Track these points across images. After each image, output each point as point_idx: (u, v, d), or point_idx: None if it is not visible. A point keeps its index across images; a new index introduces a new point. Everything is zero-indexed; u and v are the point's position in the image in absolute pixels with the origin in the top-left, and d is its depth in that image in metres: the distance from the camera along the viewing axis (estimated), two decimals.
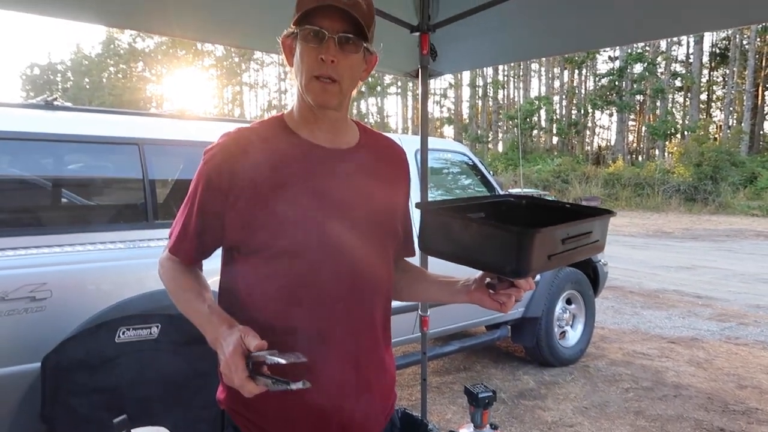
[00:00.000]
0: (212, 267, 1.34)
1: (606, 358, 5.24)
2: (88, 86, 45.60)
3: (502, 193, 4.90)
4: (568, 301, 5.12)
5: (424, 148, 2.69)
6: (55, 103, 2.63)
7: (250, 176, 1.18)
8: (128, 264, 2.58)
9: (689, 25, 2.18)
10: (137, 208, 2.73)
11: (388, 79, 42.48)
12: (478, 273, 1.31)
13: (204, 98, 48.68)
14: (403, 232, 1.41)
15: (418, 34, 2.46)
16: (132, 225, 2.68)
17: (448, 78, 40.56)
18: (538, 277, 4.49)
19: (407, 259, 1.50)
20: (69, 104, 2.75)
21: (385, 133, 1.57)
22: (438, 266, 1.49)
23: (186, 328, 1.89)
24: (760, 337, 5.94)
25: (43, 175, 2.57)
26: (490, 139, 42.87)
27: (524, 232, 1.11)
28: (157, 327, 2.19)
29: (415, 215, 1.36)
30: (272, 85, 53.17)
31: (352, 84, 1.23)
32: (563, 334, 5.08)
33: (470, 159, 4.74)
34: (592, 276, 5.27)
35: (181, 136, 2.91)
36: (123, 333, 2.15)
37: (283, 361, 1.02)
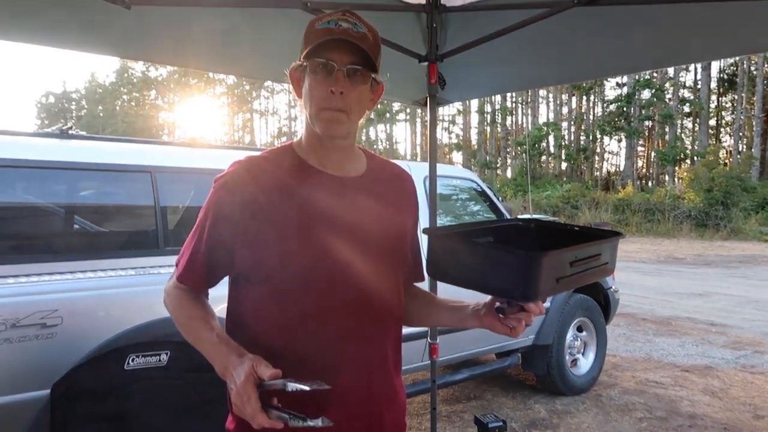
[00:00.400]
0: (218, 293, 1.34)
1: (619, 387, 5.16)
2: (101, 114, 46.36)
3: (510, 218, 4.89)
4: (579, 329, 5.06)
5: (432, 175, 2.71)
6: (70, 131, 2.68)
7: (259, 204, 1.19)
8: (138, 291, 2.59)
9: (695, 54, 2.20)
10: (148, 235, 2.76)
11: (396, 106, 42.90)
12: (488, 297, 1.31)
13: (215, 126, 49.29)
14: (412, 258, 1.42)
15: (426, 63, 2.50)
16: (143, 252, 2.70)
17: (457, 105, 40.89)
18: (548, 303, 4.46)
19: (416, 284, 1.51)
20: (83, 133, 2.80)
21: (393, 160, 1.59)
22: (447, 291, 1.50)
23: (195, 356, 1.88)
24: None
25: (56, 203, 2.60)
26: (498, 165, 42.94)
27: (532, 255, 1.12)
28: (167, 354, 2.19)
29: (423, 240, 1.37)
30: (282, 113, 53.74)
31: (360, 113, 1.25)
32: (575, 362, 5.02)
33: (478, 185, 4.75)
34: (603, 303, 5.22)
35: (192, 163, 2.95)
36: (132, 360, 2.15)
37: (306, 388, 1.01)
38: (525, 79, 2.66)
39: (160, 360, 2.19)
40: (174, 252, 2.74)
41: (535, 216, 5.64)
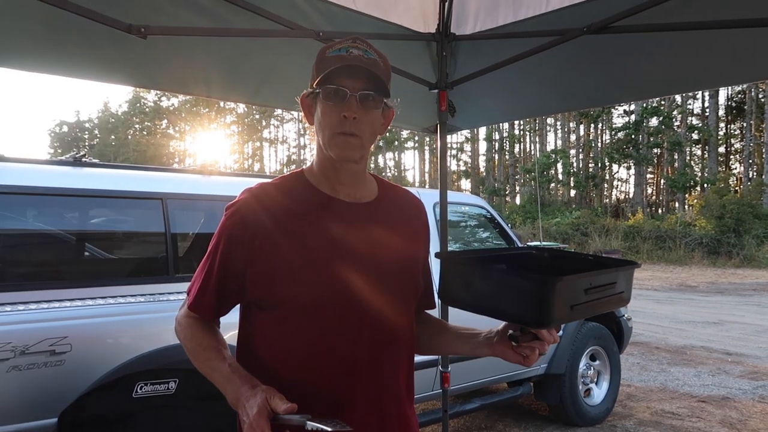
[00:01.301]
0: (228, 320, 1.33)
1: (634, 418, 5.05)
2: (113, 143, 47.00)
3: (521, 245, 4.87)
4: (593, 357, 4.98)
5: (443, 202, 2.70)
6: (83, 159, 2.71)
7: (271, 232, 1.19)
8: (148, 318, 2.59)
9: (706, 81, 2.21)
10: (159, 262, 2.76)
11: (405, 133, 43.19)
12: (500, 325, 1.29)
13: (225, 154, 49.79)
14: (423, 285, 1.40)
15: (436, 91, 2.52)
16: (153, 279, 2.70)
17: (465, 132, 41.15)
18: (560, 331, 4.40)
19: (428, 311, 1.49)
20: (96, 161, 2.83)
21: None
22: (458, 318, 1.48)
23: (203, 384, 1.86)
24: None
25: (68, 230, 2.62)
26: (507, 192, 42.95)
27: (545, 280, 1.11)
28: (175, 382, 2.17)
29: (434, 266, 1.35)
30: (292, 141, 54.22)
31: (372, 138, 1.26)
32: (588, 391, 4.92)
33: (488, 212, 4.74)
34: (616, 331, 5.14)
35: (202, 190, 2.97)
36: (141, 388, 2.13)
37: (328, 429, 0.99)
38: (534, 106, 2.67)
39: (168, 388, 2.17)
40: (184, 279, 2.77)
41: (545, 244, 5.60)
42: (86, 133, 51.84)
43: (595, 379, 5.01)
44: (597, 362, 5.01)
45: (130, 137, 47.59)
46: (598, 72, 2.28)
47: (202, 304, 1.25)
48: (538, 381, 4.68)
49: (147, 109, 48.17)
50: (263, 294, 1.20)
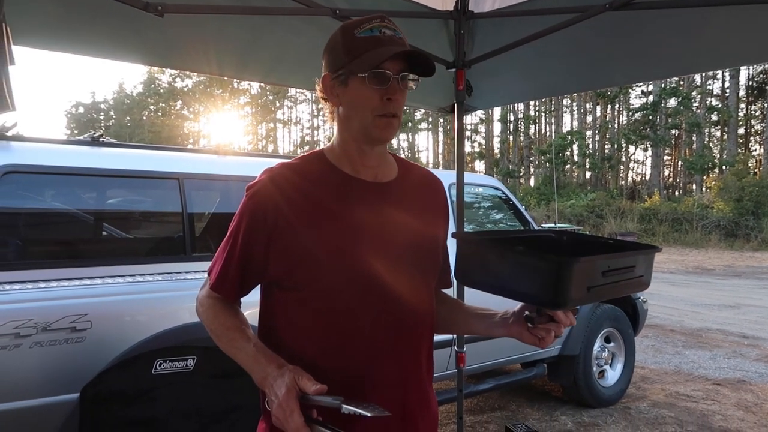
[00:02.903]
0: (247, 300, 1.34)
1: (648, 400, 5.04)
2: (129, 124, 47.29)
3: (536, 227, 4.84)
4: (607, 339, 4.97)
5: (459, 182, 2.69)
6: (101, 139, 2.73)
7: (294, 211, 1.18)
8: (166, 296, 2.62)
9: (730, 60, 2.15)
10: (176, 241, 2.78)
11: (418, 114, 42.94)
12: (517, 306, 1.29)
13: (239, 135, 49.90)
14: (442, 264, 1.40)
15: (453, 70, 2.49)
16: (170, 258, 2.73)
17: (479, 113, 40.79)
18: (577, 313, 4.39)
19: (443, 290, 1.49)
20: (113, 141, 2.85)
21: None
22: (473, 299, 1.47)
23: (221, 362, 1.88)
24: None
25: (87, 209, 2.65)
26: (521, 174, 42.66)
27: (562, 260, 1.10)
28: (193, 359, 2.20)
29: (450, 246, 1.35)
30: (305, 122, 54.18)
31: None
32: (602, 373, 4.92)
33: (503, 193, 4.71)
34: (631, 313, 5.12)
35: (219, 171, 2.98)
36: (160, 365, 2.16)
37: (366, 413, 0.99)
38: (553, 86, 2.63)
39: (186, 365, 2.20)
40: (201, 259, 2.80)
41: (560, 226, 5.57)
42: (102, 114, 52.20)
43: (610, 361, 5.01)
44: (612, 344, 5.00)
45: (144, 118, 47.84)
46: (619, 50, 2.23)
47: (225, 285, 1.25)
48: (552, 362, 4.69)
49: (161, 91, 48.32)
50: (285, 274, 1.20)
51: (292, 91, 49.63)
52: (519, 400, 5.00)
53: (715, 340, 7.37)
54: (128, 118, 48.79)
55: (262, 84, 47.79)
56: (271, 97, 49.99)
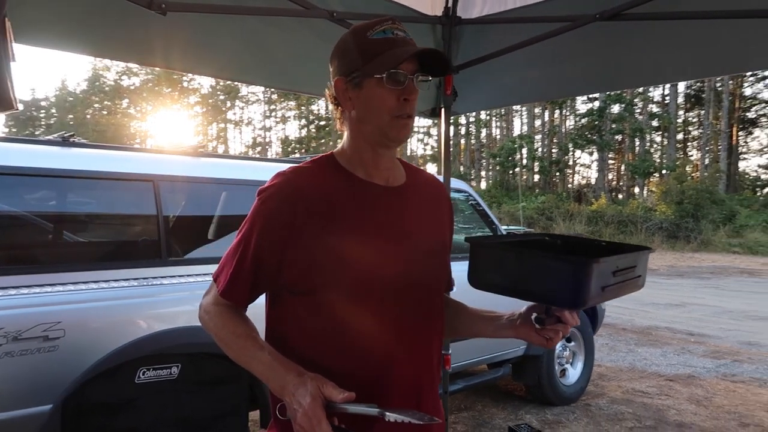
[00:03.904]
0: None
1: (606, 396, 5.21)
2: (71, 123, 45.44)
3: (502, 230, 4.93)
4: (568, 339, 5.11)
5: (446, 185, 2.70)
6: (72, 140, 2.62)
7: (308, 215, 1.17)
8: (142, 302, 2.54)
9: (713, 69, 2.26)
10: (151, 245, 2.70)
11: None
12: (523, 307, 1.31)
13: (189, 135, 48.76)
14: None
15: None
16: (146, 262, 2.64)
17: (424, 118, 41.18)
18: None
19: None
20: (85, 141, 2.74)
21: None
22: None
23: (207, 369, 1.85)
24: (755, 374, 5.97)
25: (58, 212, 2.54)
26: (473, 177, 43.35)
27: (584, 261, 1.13)
28: (178, 367, 2.14)
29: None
30: (257, 123, 53.41)
31: None
32: (563, 371, 5.06)
33: (472, 196, 4.78)
34: (590, 313, 5.28)
35: (195, 173, 2.91)
36: (143, 373, 2.10)
37: (416, 421, 0.98)
38: (535, 91, 2.68)
39: (171, 373, 2.14)
40: (178, 263, 2.73)
41: (512, 228, 5.71)
42: (42, 111, 49.98)
43: (571, 360, 5.15)
44: (572, 343, 5.14)
45: (89, 117, 46.08)
46: (604, 58, 2.31)
47: (236, 291, 1.22)
48: (516, 362, 4.78)
49: (107, 88, 46.68)
50: (299, 279, 1.18)
51: (244, 90, 48.95)
52: (484, 400, 5.07)
53: (665, 338, 7.68)
54: (71, 116, 46.87)
55: (212, 83, 47.04)
56: (222, 97, 49.07)
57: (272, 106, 50.60)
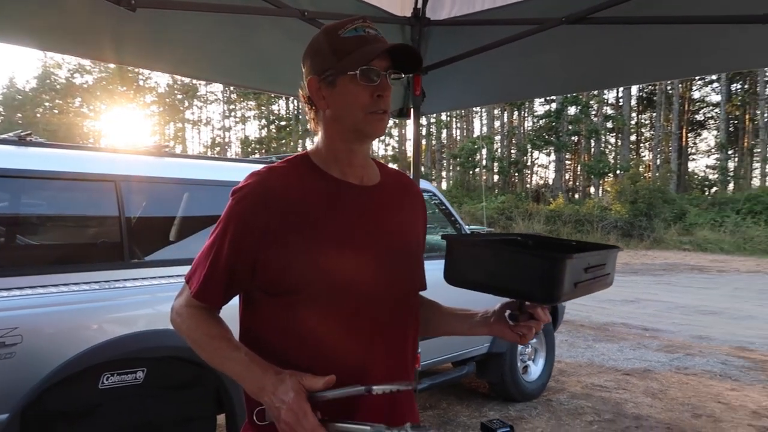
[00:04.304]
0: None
1: (567, 392, 5.33)
2: (20, 122, 43.72)
3: (467, 230, 4.99)
4: None
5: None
6: (29, 138, 2.53)
7: (284, 215, 1.17)
8: (104, 305, 2.46)
9: (677, 71, 2.34)
10: (113, 248, 2.62)
11: None
12: (497, 305, 1.34)
13: (145, 135, 47.58)
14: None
15: (410, 75, 2.52)
16: (108, 265, 2.57)
17: (392, 118, 41.31)
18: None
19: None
20: (43, 140, 2.65)
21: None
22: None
23: (173, 373, 1.81)
24: (706, 367, 6.20)
25: (17, 214, 2.44)
26: (434, 177, 43.69)
27: (558, 257, 1.16)
28: (143, 372, 2.09)
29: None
30: (216, 123, 52.53)
31: None
32: (526, 368, 5.15)
33: (437, 197, 4.81)
34: (551, 310, 5.38)
35: (159, 173, 2.84)
36: (107, 379, 2.04)
37: (401, 387, 1.01)
38: (503, 92, 2.73)
39: (136, 378, 2.08)
40: (140, 265, 2.66)
41: (472, 227, 5.78)
42: None
43: (533, 357, 5.25)
44: (534, 340, 5.24)
45: (39, 116, 44.43)
46: (570, 61, 2.36)
47: (210, 292, 1.21)
48: (480, 360, 4.84)
49: (58, 86, 45.11)
50: (276, 280, 1.17)
51: (202, 90, 48.09)
52: (449, 398, 5.12)
53: (621, 333, 7.91)
54: (19, 114, 45.09)
55: (170, 82, 46.05)
56: (179, 96, 48.09)
57: (231, 106, 49.89)
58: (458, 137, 46.76)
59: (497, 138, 41.81)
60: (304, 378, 1.05)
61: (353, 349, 1.19)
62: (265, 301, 1.21)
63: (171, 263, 2.72)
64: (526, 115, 42.60)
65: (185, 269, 1.27)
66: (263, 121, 48.45)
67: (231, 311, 1.27)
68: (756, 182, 34.54)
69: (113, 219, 2.62)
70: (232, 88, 44.23)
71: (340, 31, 1.21)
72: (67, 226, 2.68)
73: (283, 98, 42.47)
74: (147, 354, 2.11)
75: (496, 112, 42.34)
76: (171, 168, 2.93)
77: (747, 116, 38.26)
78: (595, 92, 36.09)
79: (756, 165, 36.37)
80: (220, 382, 2.45)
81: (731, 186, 35.32)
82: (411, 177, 2.76)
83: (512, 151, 41.30)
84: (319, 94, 1.24)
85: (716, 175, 36.63)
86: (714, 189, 35.55)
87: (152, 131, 47.56)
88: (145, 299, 2.58)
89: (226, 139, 50.93)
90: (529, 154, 40.30)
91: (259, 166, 1.26)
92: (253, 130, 52.05)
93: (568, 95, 32.58)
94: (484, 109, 41.99)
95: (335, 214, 1.21)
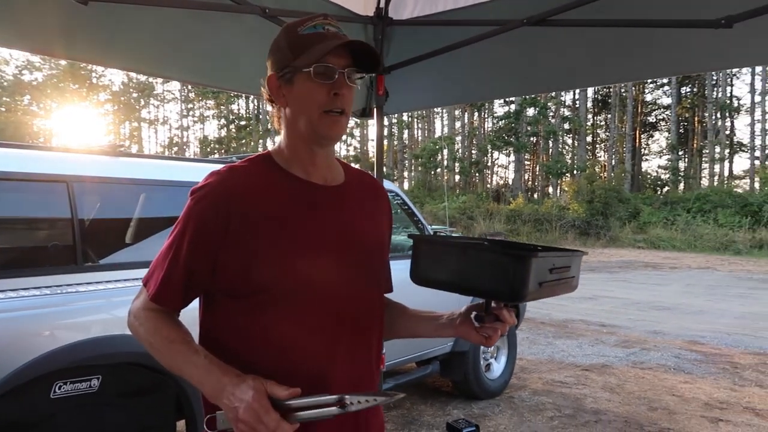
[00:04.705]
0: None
1: (528, 388, 5.41)
2: None
3: (430, 230, 5.00)
4: None
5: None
6: None
7: (245, 216, 1.14)
8: (56, 311, 2.36)
9: (635, 73, 2.39)
10: (65, 251, 2.52)
11: None
12: (463, 307, 1.33)
13: (99, 134, 46.17)
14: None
15: (372, 75, 2.51)
16: (59, 269, 2.47)
17: (353, 118, 41.29)
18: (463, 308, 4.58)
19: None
20: None
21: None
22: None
23: (130, 379, 1.75)
24: (661, 361, 6.40)
25: None
26: (396, 178, 43.84)
27: (524, 256, 1.16)
28: (98, 379, 2.01)
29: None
30: (174, 122, 51.45)
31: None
32: (488, 366, 5.20)
33: (400, 197, 4.82)
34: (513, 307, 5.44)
35: (114, 173, 2.75)
36: (59, 388, 1.95)
37: (378, 398, 0.98)
38: (466, 92, 2.74)
39: (90, 386, 2.01)
40: (95, 269, 2.57)
41: (435, 227, 5.82)
42: None
43: (495, 355, 5.31)
44: None
45: None
46: (530, 62, 2.39)
47: (168, 295, 1.17)
48: (444, 359, 4.86)
49: (5, 83, 43.37)
50: (236, 282, 1.15)
51: (159, 89, 47.05)
52: (412, 398, 5.13)
53: (580, 330, 8.08)
54: None
55: (124, 80, 44.82)
56: (135, 95, 46.89)
57: (190, 105, 48.94)
58: (420, 138, 47.04)
59: (458, 139, 42.25)
60: (267, 382, 1.02)
61: (315, 353, 1.17)
62: (226, 304, 1.18)
63: (127, 266, 2.63)
64: (486, 116, 43.19)
65: (142, 272, 1.23)
66: (223, 121, 47.70)
67: (192, 314, 1.24)
68: (705, 182, 35.93)
69: (65, 221, 2.52)
70: (190, 86, 43.45)
71: (299, 28, 1.20)
72: (15, 228, 2.56)
73: (243, 97, 41.96)
74: (102, 360, 2.03)
75: (456, 113, 42.77)
76: (127, 168, 2.84)
77: (696, 118, 39.74)
78: (553, 94, 36.87)
79: (705, 165, 37.81)
80: (180, 388, 2.38)
81: (682, 186, 36.61)
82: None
83: (473, 152, 41.80)
84: (279, 92, 1.22)
85: (668, 175, 37.95)
86: (666, 188, 36.82)
87: (107, 131, 46.18)
88: (100, 304, 2.49)
89: (185, 139, 49.98)
90: (490, 154, 40.88)
91: (218, 166, 1.23)
92: (213, 129, 51.18)
93: (527, 97, 33.17)
94: (445, 110, 42.37)
95: (297, 215, 1.19)
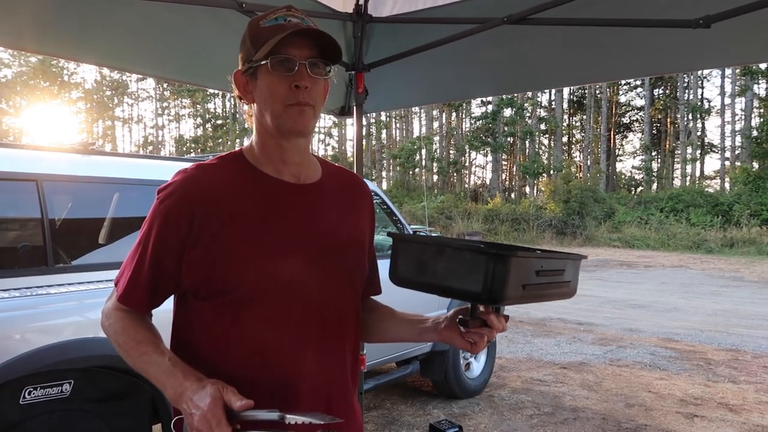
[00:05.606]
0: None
1: (508, 387, 5.44)
2: None
3: (410, 230, 4.99)
4: None
5: None
6: None
7: (211, 215, 1.11)
8: (25, 314, 2.29)
9: (613, 73, 2.40)
10: (35, 252, 2.45)
11: None
12: (450, 311, 1.29)
13: (71, 133, 45.32)
14: (369, 270, 1.36)
15: (352, 72, 2.48)
16: (29, 270, 2.39)
17: (332, 117, 41.20)
18: (444, 308, 4.58)
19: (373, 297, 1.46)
20: None
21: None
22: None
23: (103, 383, 1.70)
24: (637, 358, 6.48)
25: None
26: (374, 177, 43.83)
27: (500, 254, 1.10)
28: (70, 384, 1.95)
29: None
30: (148, 121, 50.72)
31: (321, 107, 1.21)
32: (468, 365, 5.21)
33: (379, 196, 4.79)
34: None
35: (86, 172, 2.67)
36: (29, 393, 1.89)
37: (318, 422, 0.93)
38: (447, 91, 2.73)
39: (62, 391, 1.94)
40: (66, 270, 2.50)
41: (414, 227, 5.81)
42: None
43: (475, 354, 5.31)
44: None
45: None
46: (510, 61, 2.39)
47: (134, 296, 1.15)
48: (424, 359, 4.86)
49: None
50: (202, 282, 1.12)
51: (133, 87, 46.38)
52: (393, 398, 5.11)
53: (558, 328, 8.16)
54: None
55: (97, 78, 44.06)
56: (108, 93, 46.13)
57: (165, 104, 48.30)
58: (398, 138, 47.09)
59: (436, 139, 42.39)
60: (226, 389, 0.99)
61: (281, 357, 1.14)
62: (195, 305, 1.15)
63: (100, 267, 2.57)
64: (463, 116, 43.41)
65: (115, 274, 1.19)
66: (199, 120, 47.18)
67: (166, 315, 1.20)
68: (677, 182, 36.57)
69: (35, 221, 2.44)
70: (165, 85, 42.91)
71: (261, 21, 1.17)
72: None
73: (220, 96, 41.58)
74: (74, 365, 1.96)
75: (434, 113, 42.92)
76: (99, 167, 2.77)
77: (668, 120, 40.48)
78: (530, 94, 37.21)
79: (677, 166, 38.52)
80: (156, 391, 2.32)
81: (655, 186, 37.24)
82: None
83: (451, 152, 42.00)
84: (247, 89, 1.19)
85: (641, 176, 38.55)
86: (640, 188, 37.38)
87: (79, 129, 45.32)
88: (71, 306, 2.42)
89: (160, 138, 49.32)
90: (467, 154, 41.13)
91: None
92: (188, 128, 50.57)
93: (504, 97, 33.45)
94: (423, 110, 42.52)
95: (265, 214, 1.15)
